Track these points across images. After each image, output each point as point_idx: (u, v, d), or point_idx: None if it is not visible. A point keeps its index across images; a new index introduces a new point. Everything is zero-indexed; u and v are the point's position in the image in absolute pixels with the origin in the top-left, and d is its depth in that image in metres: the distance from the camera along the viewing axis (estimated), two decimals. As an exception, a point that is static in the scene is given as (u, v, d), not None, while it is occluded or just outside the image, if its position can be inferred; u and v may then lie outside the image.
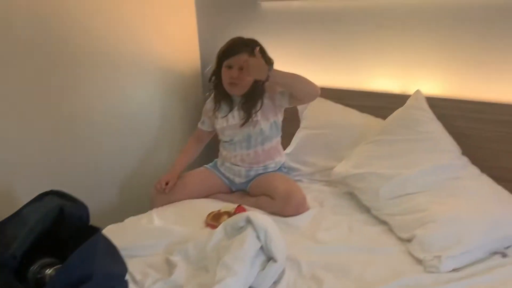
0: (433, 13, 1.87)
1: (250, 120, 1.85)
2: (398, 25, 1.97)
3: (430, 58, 1.92)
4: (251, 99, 1.86)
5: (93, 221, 1.36)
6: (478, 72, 1.82)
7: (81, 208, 1.26)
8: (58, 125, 2.02)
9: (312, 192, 1.93)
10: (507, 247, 1.44)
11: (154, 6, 2.32)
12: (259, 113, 1.86)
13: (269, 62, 1.83)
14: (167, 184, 1.89)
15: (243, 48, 1.79)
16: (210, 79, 1.94)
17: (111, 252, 1.21)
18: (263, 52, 1.82)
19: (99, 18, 2.09)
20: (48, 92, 1.97)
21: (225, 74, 1.83)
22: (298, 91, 1.80)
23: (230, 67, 1.81)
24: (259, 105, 1.85)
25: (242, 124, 1.86)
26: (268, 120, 1.89)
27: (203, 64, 2.65)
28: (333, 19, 2.15)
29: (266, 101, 1.88)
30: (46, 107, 1.97)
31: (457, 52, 1.85)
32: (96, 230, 1.19)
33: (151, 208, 1.89)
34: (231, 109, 1.91)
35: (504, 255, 1.41)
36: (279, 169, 2.00)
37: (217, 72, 1.89)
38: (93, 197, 2.14)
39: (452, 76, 1.89)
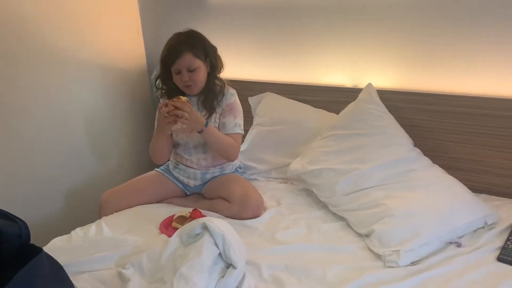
0: (381, 8, 1.88)
1: (214, 114, 1.78)
2: (348, 20, 1.96)
3: (379, 52, 1.94)
4: (210, 93, 1.79)
5: (37, 235, 1.23)
6: (424, 65, 1.86)
7: (20, 226, 1.14)
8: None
9: (269, 190, 1.90)
10: (461, 237, 1.47)
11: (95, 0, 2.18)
12: (217, 117, 1.79)
13: (214, 67, 1.79)
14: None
15: (184, 48, 1.70)
16: (159, 87, 1.84)
17: (56, 273, 1.10)
18: (203, 43, 1.75)
19: (38, 10, 1.91)
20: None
21: (177, 80, 1.74)
22: (216, 151, 1.80)
23: (178, 72, 1.72)
24: (220, 96, 1.79)
25: (208, 117, 1.78)
26: None
27: (149, 61, 2.54)
28: (284, 14, 2.12)
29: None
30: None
31: (404, 46, 1.88)
32: (38, 250, 1.08)
33: (100, 216, 1.78)
34: None
35: (458, 244, 1.44)
36: (236, 170, 1.94)
37: (164, 77, 1.79)
38: (35, 208, 2.00)
39: (400, 69, 1.92)
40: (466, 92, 1.78)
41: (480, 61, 1.74)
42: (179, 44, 1.72)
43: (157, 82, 1.84)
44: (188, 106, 1.65)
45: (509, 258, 1.34)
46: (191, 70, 1.71)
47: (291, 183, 1.94)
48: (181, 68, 1.71)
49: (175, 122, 1.67)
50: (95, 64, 2.22)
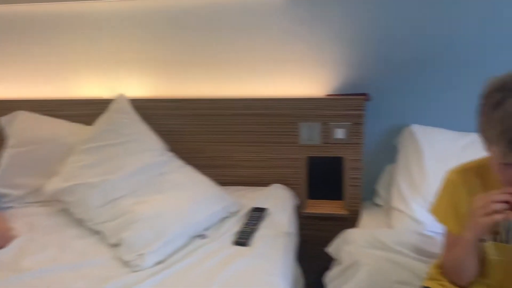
0: (135, 19, 1.91)
1: None
2: (100, 32, 1.94)
3: (132, 62, 1.97)
4: None
5: None
6: (173, 73, 1.96)
7: None
8: None
9: (23, 217, 1.74)
10: (207, 229, 1.58)
11: None
12: None
13: None
14: None
15: None
16: None
17: None
18: None
19: None
20: None
21: None
22: None
23: None
24: None
25: None
26: None
27: None
28: (30, 26, 1.99)
29: None
30: None
31: (154, 56, 1.95)
32: None
33: None
34: None
35: (203, 237, 1.54)
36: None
37: None
38: None
39: (153, 78, 1.98)
40: (211, 96, 1.94)
41: (221, 68, 1.91)
42: None
43: None
44: None
45: (243, 240, 1.49)
46: None
47: (50, 205, 1.81)
48: None
49: None
50: None
